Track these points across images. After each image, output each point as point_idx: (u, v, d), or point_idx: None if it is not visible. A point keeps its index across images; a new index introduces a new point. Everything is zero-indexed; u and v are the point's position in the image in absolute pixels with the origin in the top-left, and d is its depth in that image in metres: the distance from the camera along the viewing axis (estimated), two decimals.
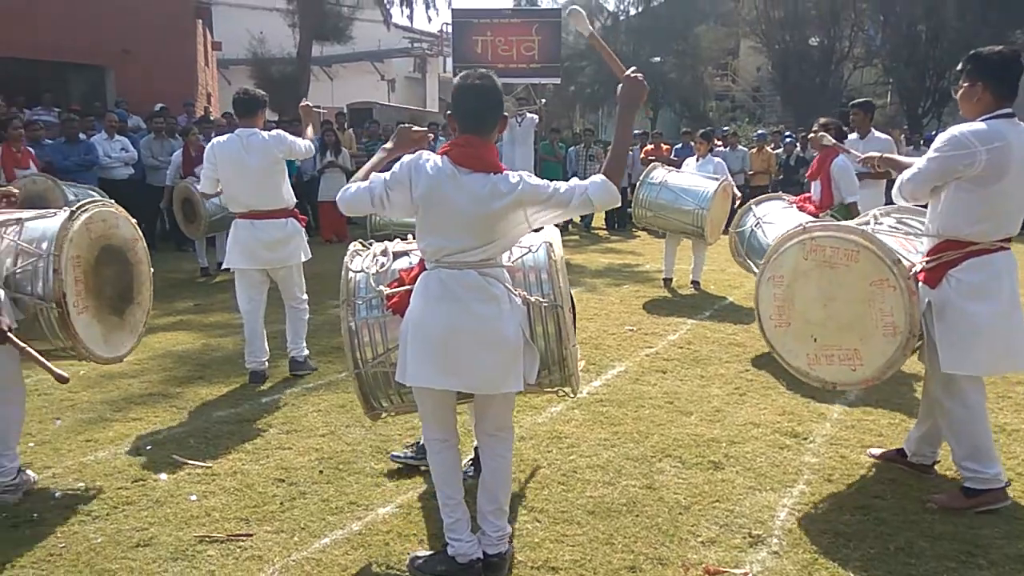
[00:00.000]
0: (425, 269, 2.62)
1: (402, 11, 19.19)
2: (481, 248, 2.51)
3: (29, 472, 3.39)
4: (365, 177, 2.63)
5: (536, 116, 15.02)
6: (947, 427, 3.22)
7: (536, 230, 2.73)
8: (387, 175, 2.58)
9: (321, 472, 3.54)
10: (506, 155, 12.22)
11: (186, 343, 5.79)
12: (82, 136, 9.20)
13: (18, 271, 3.19)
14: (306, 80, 18.96)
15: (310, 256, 5.15)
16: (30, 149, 8.24)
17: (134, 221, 3.70)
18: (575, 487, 3.42)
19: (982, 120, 2.98)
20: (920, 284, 3.11)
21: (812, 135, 6.06)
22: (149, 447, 3.80)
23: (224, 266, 5.03)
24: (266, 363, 5.00)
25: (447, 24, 31.13)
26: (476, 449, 3.48)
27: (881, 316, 3.06)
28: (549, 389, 2.95)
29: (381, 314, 2.79)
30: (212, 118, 12.16)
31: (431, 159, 2.52)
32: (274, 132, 4.88)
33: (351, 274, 2.88)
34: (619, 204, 2.61)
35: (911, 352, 3.20)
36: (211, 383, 4.87)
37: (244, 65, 21.91)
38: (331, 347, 5.54)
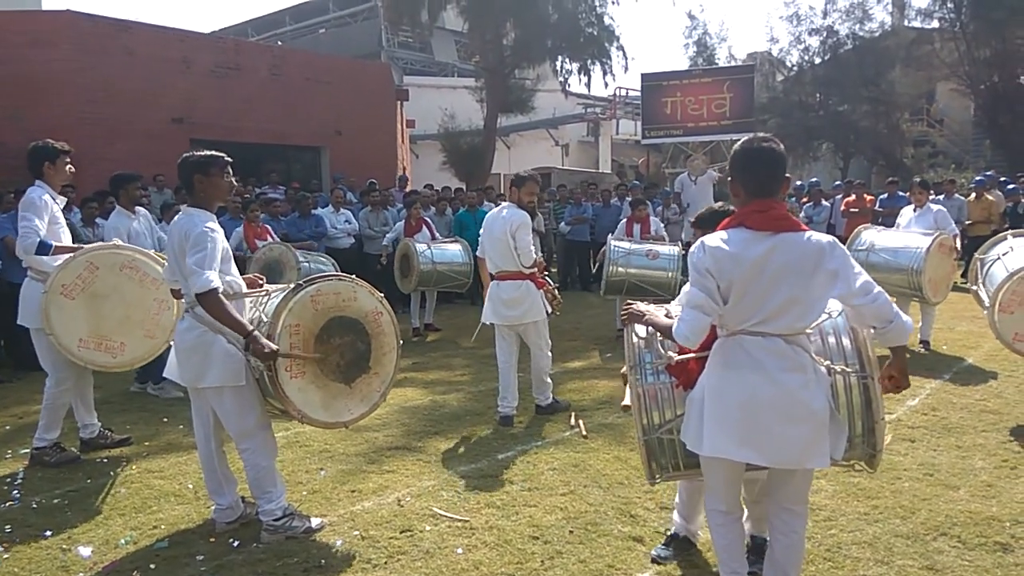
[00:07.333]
0: (716, 337, 2.53)
1: (579, 79, 19.73)
2: (793, 314, 2.40)
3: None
4: None
5: (714, 172, 14.76)
6: None
7: None
8: (688, 288, 2.47)
9: (571, 532, 3.57)
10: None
11: (415, 399, 6.13)
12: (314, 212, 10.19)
13: None
14: (491, 150, 19.97)
15: (547, 315, 5.45)
16: (267, 225, 9.27)
17: (380, 296, 3.71)
18: (844, 564, 3.21)
19: None
20: None
21: None
22: (408, 499, 4.02)
23: (482, 320, 5.53)
24: (515, 409, 5.45)
25: (620, 88, 31.89)
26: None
27: None
28: (844, 463, 2.74)
29: (670, 380, 2.69)
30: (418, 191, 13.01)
31: (714, 242, 2.41)
32: (516, 212, 5.19)
33: (635, 338, 2.79)
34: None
35: None
36: (447, 437, 5.11)
37: (432, 139, 23.41)
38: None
